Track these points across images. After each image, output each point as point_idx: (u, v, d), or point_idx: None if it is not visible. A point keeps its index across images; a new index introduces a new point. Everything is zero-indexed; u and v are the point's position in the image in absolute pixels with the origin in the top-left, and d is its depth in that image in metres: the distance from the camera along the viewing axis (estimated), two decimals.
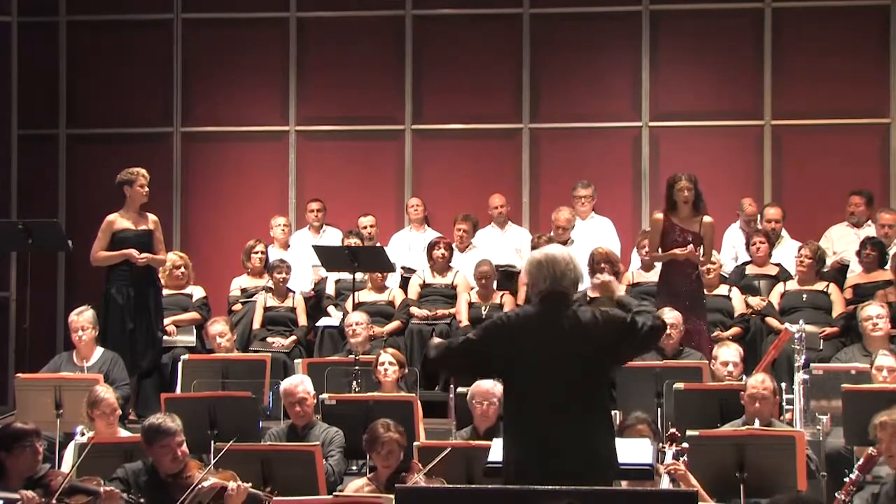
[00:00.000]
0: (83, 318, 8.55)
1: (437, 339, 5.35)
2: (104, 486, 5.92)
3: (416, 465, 6.47)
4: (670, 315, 8.48)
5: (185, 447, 6.17)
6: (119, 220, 8.96)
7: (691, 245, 8.75)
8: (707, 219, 8.92)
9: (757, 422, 6.78)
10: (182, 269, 9.89)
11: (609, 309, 5.13)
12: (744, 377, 7.67)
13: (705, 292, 9.15)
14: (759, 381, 6.96)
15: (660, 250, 8.96)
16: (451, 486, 5.08)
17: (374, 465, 6.72)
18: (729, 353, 7.84)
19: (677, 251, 8.76)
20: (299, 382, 7.38)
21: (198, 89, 11.94)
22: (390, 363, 7.99)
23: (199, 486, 5.93)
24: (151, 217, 9.11)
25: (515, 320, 5.12)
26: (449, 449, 6.37)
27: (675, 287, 8.83)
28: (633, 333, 5.03)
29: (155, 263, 9.08)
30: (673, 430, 6.34)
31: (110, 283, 8.91)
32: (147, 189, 9.03)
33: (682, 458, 6.19)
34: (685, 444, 6.28)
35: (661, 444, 6.30)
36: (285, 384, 7.42)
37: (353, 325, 9.05)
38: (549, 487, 4.57)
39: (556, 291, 5.06)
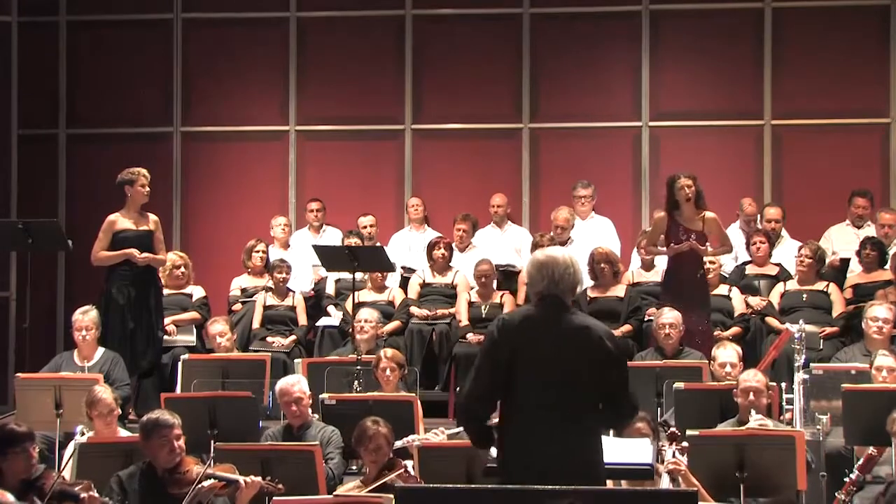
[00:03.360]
0: (88, 318, 8.56)
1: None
2: (93, 491, 5.92)
3: (399, 462, 6.49)
4: (670, 315, 8.50)
5: (182, 442, 6.18)
6: (120, 221, 8.97)
7: (692, 240, 8.75)
8: (709, 214, 8.94)
9: (753, 412, 6.77)
10: (182, 269, 9.89)
11: (609, 334, 5.06)
12: None
13: (710, 293, 9.15)
14: (750, 375, 7.00)
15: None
16: (450, 486, 5.06)
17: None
18: (727, 353, 7.83)
19: (675, 246, 8.75)
20: (295, 382, 7.36)
21: (198, 89, 11.94)
22: (390, 368, 7.97)
23: (199, 485, 5.94)
24: (152, 217, 9.12)
25: (516, 320, 5.12)
26: (415, 439, 6.36)
27: (679, 287, 8.84)
28: (622, 382, 5.00)
29: (155, 263, 9.09)
30: (672, 428, 6.34)
31: (111, 283, 8.92)
32: (148, 189, 9.05)
33: (680, 456, 6.20)
34: (685, 444, 6.29)
35: (660, 443, 6.31)
36: (281, 384, 7.41)
37: (363, 322, 9.03)
38: (550, 487, 4.57)
39: (553, 295, 5.05)
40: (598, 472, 4.98)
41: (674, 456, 6.13)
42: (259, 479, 6.14)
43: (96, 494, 5.90)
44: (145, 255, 8.90)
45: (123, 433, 7.36)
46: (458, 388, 7.71)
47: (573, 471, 4.83)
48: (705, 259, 9.10)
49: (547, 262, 5.09)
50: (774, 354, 8.20)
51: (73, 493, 5.89)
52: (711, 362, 7.92)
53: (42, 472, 6.15)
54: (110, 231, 8.94)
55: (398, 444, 6.79)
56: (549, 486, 4.57)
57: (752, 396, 6.87)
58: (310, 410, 7.36)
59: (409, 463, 6.56)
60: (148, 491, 6.10)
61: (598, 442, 5.02)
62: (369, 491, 6.23)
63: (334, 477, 6.91)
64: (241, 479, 6.08)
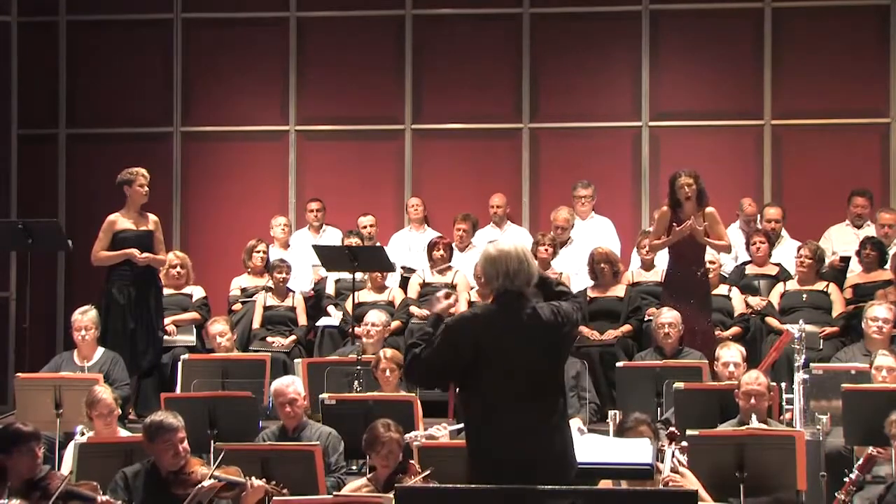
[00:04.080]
0: (87, 318, 8.56)
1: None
2: (100, 496, 5.92)
3: (413, 466, 6.48)
4: (669, 315, 8.50)
5: (186, 444, 6.19)
6: (120, 221, 8.97)
7: (689, 221, 8.69)
8: (708, 209, 8.88)
9: (754, 417, 6.78)
10: (182, 269, 9.89)
11: (559, 304, 5.12)
12: None
13: (711, 292, 9.15)
14: (752, 378, 6.98)
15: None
16: (450, 486, 5.06)
17: (373, 465, 6.72)
18: (730, 353, 7.82)
19: (677, 229, 8.70)
20: (290, 383, 7.32)
21: (198, 89, 11.94)
22: (390, 368, 7.96)
23: (200, 486, 5.95)
24: (152, 217, 9.12)
25: (477, 317, 5.09)
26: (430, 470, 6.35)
27: (680, 286, 8.82)
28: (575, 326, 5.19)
29: (155, 264, 9.09)
30: (672, 428, 6.34)
31: (111, 283, 8.92)
32: (147, 189, 9.05)
33: (680, 461, 6.18)
34: (685, 443, 6.28)
35: (660, 443, 6.30)
36: (276, 384, 7.36)
37: (370, 325, 8.98)
38: (550, 487, 4.58)
39: (510, 291, 5.03)
40: (571, 462, 5.00)
41: (673, 456, 6.12)
42: (264, 482, 6.14)
43: (113, 500, 5.90)
44: (146, 255, 8.91)
45: (123, 433, 7.36)
46: (457, 389, 7.67)
47: (546, 462, 4.86)
48: (706, 259, 9.10)
49: (499, 256, 5.06)
50: (775, 356, 8.19)
51: (84, 495, 5.88)
52: (715, 362, 7.91)
53: (47, 472, 6.16)
54: (110, 231, 8.95)
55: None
56: (550, 486, 4.58)
57: (753, 400, 6.87)
58: (303, 411, 7.30)
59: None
60: (152, 490, 6.11)
61: (567, 431, 5.05)
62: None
63: (339, 487, 6.86)
64: (247, 481, 6.09)
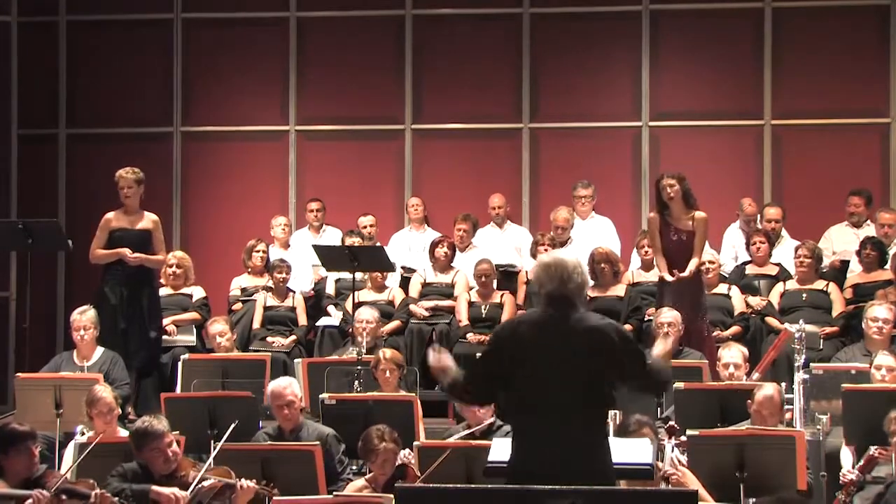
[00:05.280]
0: (86, 318, 8.54)
1: (444, 360, 5.24)
2: (97, 489, 5.92)
3: (412, 470, 6.47)
4: (668, 314, 8.49)
5: (175, 447, 6.18)
6: (116, 219, 8.98)
7: (684, 274, 8.78)
8: (699, 214, 8.92)
9: None
10: (182, 269, 9.88)
11: (618, 325, 5.16)
12: (744, 378, 7.67)
13: (705, 292, 9.16)
14: (766, 397, 6.82)
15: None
16: (450, 486, 5.06)
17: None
18: (730, 354, 7.79)
19: (670, 278, 8.77)
20: (287, 385, 7.21)
21: (198, 89, 11.94)
22: (390, 369, 7.95)
23: (199, 485, 5.94)
24: (151, 217, 9.10)
25: (524, 322, 5.15)
26: (448, 451, 6.36)
27: (673, 287, 8.83)
28: (640, 363, 5.05)
29: (151, 264, 9.06)
30: (671, 422, 6.33)
31: (104, 282, 8.94)
32: (126, 190, 9.01)
33: (680, 460, 6.18)
34: (683, 437, 6.28)
35: (660, 437, 6.30)
36: (272, 386, 7.26)
37: (364, 322, 8.99)
38: (550, 487, 4.57)
39: (562, 295, 5.06)
40: (609, 473, 4.98)
41: (672, 451, 6.11)
42: (254, 483, 6.12)
43: (108, 494, 5.90)
44: (137, 255, 8.87)
45: (123, 433, 7.35)
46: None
47: (584, 473, 4.83)
48: (704, 259, 9.12)
49: (555, 263, 5.13)
50: (773, 355, 8.19)
51: (81, 492, 5.89)
52: (717, 362, 7.89)
53: (44, 471, 6.16)
54: (106, 229, 8.96)
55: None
56: (551, 486, 4.57)
57: (764, 416, 6.82)
58: (300, 412, 7.24)
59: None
60: (147, 490, 6.09)
61: (606, 442, 5.04)
62: None
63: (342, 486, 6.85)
64: (237, 482, 6.07)
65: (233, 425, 6.51)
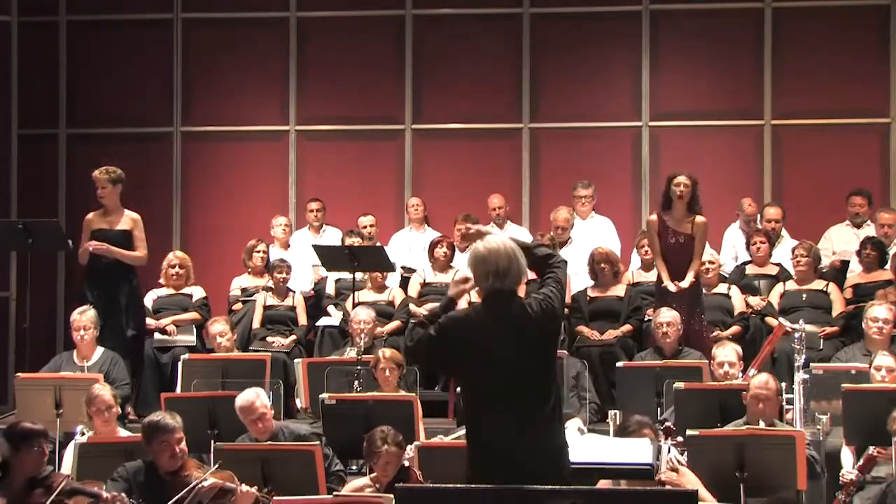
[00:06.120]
0: (85, 318, 8.56)
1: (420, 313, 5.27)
2: (105, 490, 5.93)
3: (415, 474, 6.47)
4: (668, 314, 8.51)
5: (183, 445, 6.19)
6: (96, 220, 9.05)
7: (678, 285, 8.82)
8: (700, 219, 8.94)
9: (761, 423, 6.75)
10: (182, 269, 9.89)
11: (547, 295, 5.06)
12: (741, 376, 7.67)
13: (703, 291, 9.16)
14: (762, 382, 6.87)
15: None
16: (450, 486, 5.06)
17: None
18: (725, 352, 7.80)
19: (673, 288, 8.80)
20: (255, 398, 6.98)
21: (198, 89, 11.94)
22: (389, 368, 7.95)
23: (199, 485, 5.95)
24: (131, 215, 9.12)
25: (468, 317, 5.09)
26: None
27: (674, 293, 8.86)
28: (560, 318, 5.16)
29: (124, 258, 9.03)
30: (668, 423, 6.33)
31: (83, 281, 9.01)
32: (100, 191, 9.07)
33: (679, 460, 6.17)
34: (680, 438, 6.28)
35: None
36: (241, 402, 6.99)
37: (361, 323, 8.97)
38: (549, 487, 4.57)
39: (501, 290, 5.01)
40: (561, 460, 4.95)
41: (669, 452, 6.11)
42: (255, 490, 6.13)
43: (118, 494, 5.91)
44: (99, 244, 8.87)
45: (123, 433, 7.36)
46: (458, 388, 7.68)
47: (535, 459, 4.84)
48: (704, 259, 9.12)
49: (489, 255, 5.04)
50: (769, 349, 8.19)
51: (88, 491, 5.90)
52: (711, 361, 7.90)
53: (50, 472, 6.18)
54: (88, 230, 9.07)
55: None
56: (550, 486, 4.57)
57: (761, 405, 6.82)
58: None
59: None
60: (151, 488, 6.10)
61: (559, 429, 5.03)
62: None
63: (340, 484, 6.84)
64: (237, 487, 6.07)
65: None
